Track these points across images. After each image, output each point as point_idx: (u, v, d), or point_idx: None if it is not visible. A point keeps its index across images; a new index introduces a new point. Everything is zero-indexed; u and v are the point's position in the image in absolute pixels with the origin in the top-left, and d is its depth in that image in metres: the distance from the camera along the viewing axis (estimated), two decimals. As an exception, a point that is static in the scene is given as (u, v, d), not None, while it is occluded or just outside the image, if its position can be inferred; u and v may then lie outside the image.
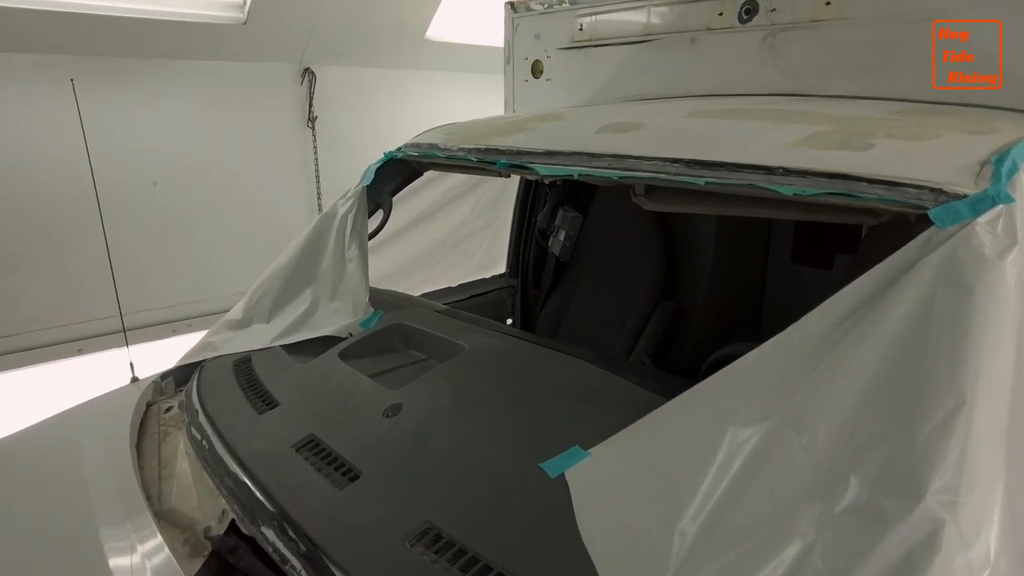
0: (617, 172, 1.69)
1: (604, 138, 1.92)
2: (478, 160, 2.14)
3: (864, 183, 1.29)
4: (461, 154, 2.24)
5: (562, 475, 1.39)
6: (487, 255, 3.89)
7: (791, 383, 1.17)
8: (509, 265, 3.83)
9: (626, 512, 1.25)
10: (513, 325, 3.79)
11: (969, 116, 1.76)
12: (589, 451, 1.41)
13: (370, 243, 2.60)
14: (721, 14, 2.56)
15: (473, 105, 4.70)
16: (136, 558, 1.53)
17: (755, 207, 1.51)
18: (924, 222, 1.17)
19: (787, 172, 1.40)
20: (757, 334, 3.30)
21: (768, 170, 1.43)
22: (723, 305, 3.23)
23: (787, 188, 1.36)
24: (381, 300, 2.53)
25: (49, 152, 5.06)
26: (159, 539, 1.56)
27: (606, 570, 1.14)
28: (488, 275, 3.80)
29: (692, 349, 3.14)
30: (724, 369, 1.29)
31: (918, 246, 1.15)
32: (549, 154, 1.93)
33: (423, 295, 3.20)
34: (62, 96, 4.79)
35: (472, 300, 3.55)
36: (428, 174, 2.83)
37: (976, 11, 1.96)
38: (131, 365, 2.62)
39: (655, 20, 2.83)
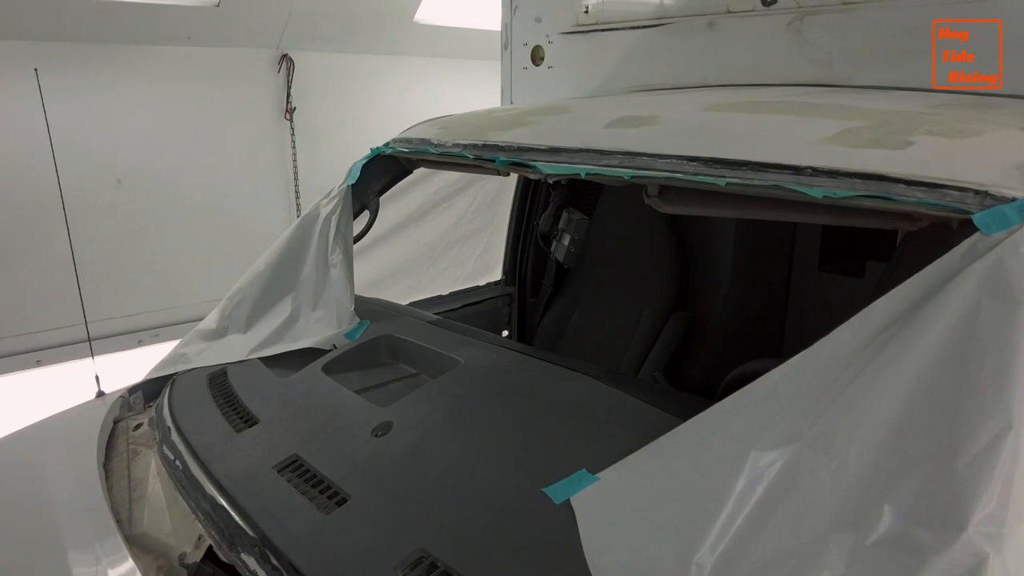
0: (629, 171, 1.69)
1: (614, 133, 1.92)
2: (475, 157, 2.15)
3: (902, 185, 1.27)
4: (456, 151, 2.24)
5: (567, 502, 1.39)
6: (481, 260, 3.89)
7: (819, 403, 1.17)
8: (506, 272, 3.83)
9: (638, 542, 1.25)
10: (510, 337, 3.79)
11: (1019, 111, 1.75)
12: (597, 476, 1.42)
13: (355, 247, 2.60)
14: (742, -5, 2.57)
15: (466, 95, 4.72)
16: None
17: (780, 210, 1.51)
18: (968, 227, 1.15)
19: (816, 172, 1.39)
20: (779, 348, 3.31)
21: (795, 170, 1.42)
22: (742, 316, 3.23)
23: (816, 190, 1.36)
24: (367, 309, 2.53)
25: (4, 148, 5.07)
26: (132, 566, 1.56)
27: (616, 604, 1.15)
28: (482, 282, 3.80)
29: (708, 365, 3.14)
30: (745, 388, 1.29)
31: (961, 254, 1.13)
32: (554, 151, 1.92)
33: (412, 304, 3.19)
34: (19, 84, 4.81)
35: (465, 309, 3.55)
36: (418, 172, 2.83)
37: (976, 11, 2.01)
38: (96, 378, 2.62)
39: (669, 2, 2.83)
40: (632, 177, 1.68)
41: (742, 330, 3.24)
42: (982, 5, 2.04)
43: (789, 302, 3.36)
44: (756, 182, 1.46)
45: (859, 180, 1.33)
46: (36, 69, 4.57)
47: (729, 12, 2.62)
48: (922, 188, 1.26)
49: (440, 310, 3.29)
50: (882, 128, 1.55)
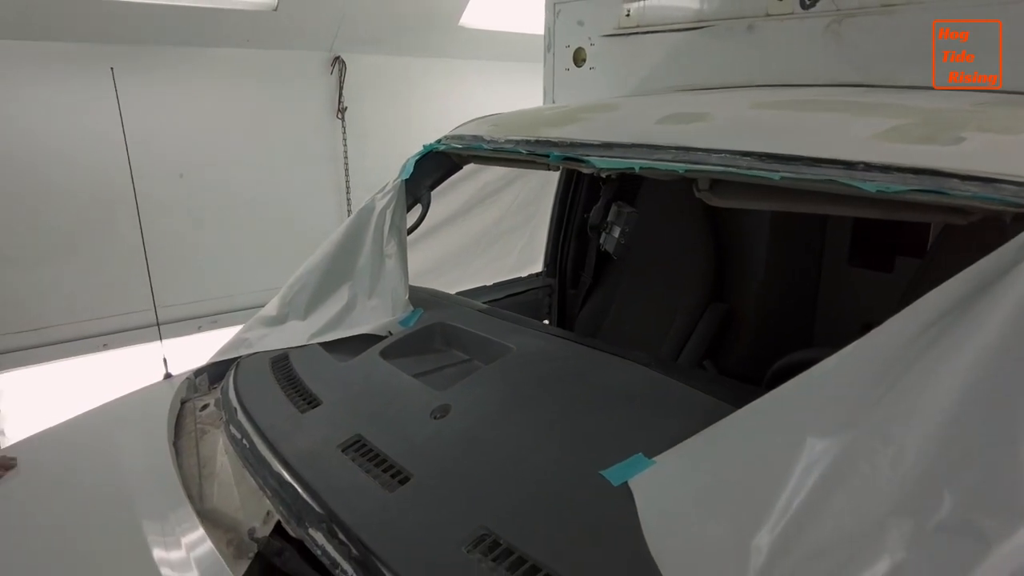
0: (683, 165, 1.65)
1: (666, 129, 1.88)
2: (528, 153, 2.12)
3: (956, 179, 1.24)
4: (509, 146, 2.21)
5: (625, 484, 1.37)
6: (524, 253, 3.88)
7: (875, 392, 1.14)
8: (547, 263, 3.81)
9: (696, 524, 1.23)
10: (550, 326, 3.76)
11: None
12: (653, 459, 1.39)
13: (408, 239, 2.59)
14: (781, -1, 2.52)
15: (509, 95, 4.69)
16: (183, 556, 1.52)
17: (830, 204, 1.49)
18: (1022, 221, 1.13)
19: (869, 167, 1.36)
20: (810, 339, 3.27)
21: (848, 165, 1.39)
22: (775, 307, 3.20)
23: (870, 184, 1.33)
24: (420, 298, 2.53)
25: (80, 143, 5.13)
26: (205, 538, 1.56)
27: (677, 583, 1.12)
28: (524, 274, 3.79)
29: (743, 355, 3.11)
30: (800, 376, 1.26)
31: (1016, 247, 1.09)
32: (607, 146, 1.89)
33: (458, 293, 3.19)
34: (94, 85, 4.86)
35: (508, 299, 3.54)
36: (465, 168, 2.82)
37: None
38: (164, 361, 2.63)
39: (708, 6, 2.79)
40: (686, 171, 1.65)
41: (775, 321, 3.20)
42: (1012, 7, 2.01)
43: (819, 294, 3.32)
44: (810, 176, 1.43)
45: (912, 175, 1.30)
46: (112, 68, 4.60)
47: (768, 15, 2.57)
48: (977, 183, 1.22)
49: (484, 299, 3.28)
50: (931, 125, 1.52)
